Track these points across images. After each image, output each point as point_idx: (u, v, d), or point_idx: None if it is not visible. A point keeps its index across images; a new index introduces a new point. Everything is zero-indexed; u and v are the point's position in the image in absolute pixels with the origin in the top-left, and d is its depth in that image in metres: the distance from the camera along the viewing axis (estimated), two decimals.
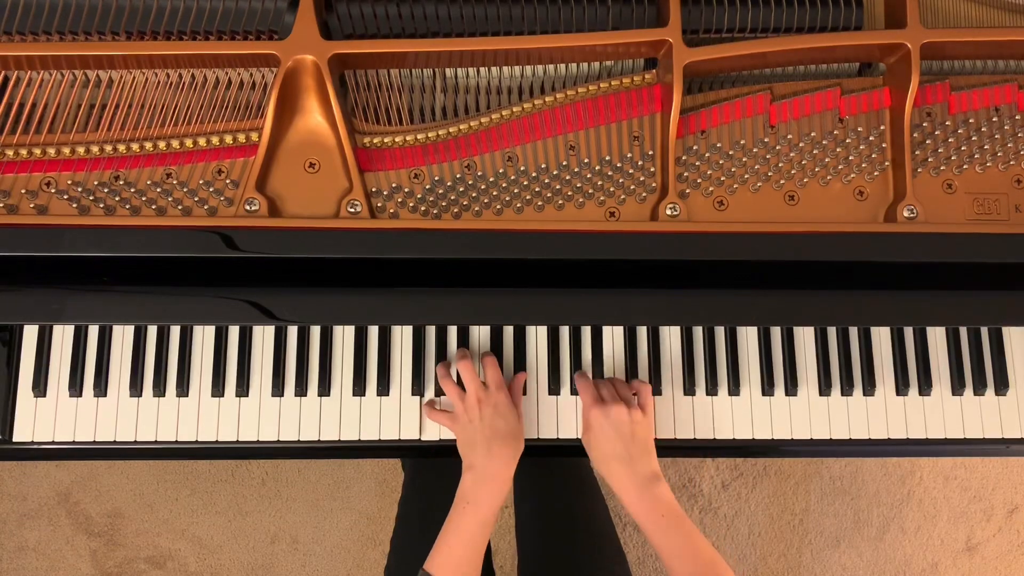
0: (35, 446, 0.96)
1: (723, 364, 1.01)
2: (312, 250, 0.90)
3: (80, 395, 0.97)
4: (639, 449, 0.90)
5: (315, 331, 0.99)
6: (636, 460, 0.89)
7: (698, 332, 1.01)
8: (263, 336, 0.99)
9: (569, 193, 0.95)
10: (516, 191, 0.94)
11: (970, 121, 0.98)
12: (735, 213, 0.96)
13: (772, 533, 1.79)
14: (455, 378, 0.97)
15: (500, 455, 0.90)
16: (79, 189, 0.91)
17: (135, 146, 0.92)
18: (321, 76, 0.90)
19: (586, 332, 1.01)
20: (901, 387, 1.01)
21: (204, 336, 0.99)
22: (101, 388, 0.97)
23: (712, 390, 1.00)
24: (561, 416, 0.99)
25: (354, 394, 0.98)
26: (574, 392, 0.99)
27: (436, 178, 0.94)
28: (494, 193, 0.94)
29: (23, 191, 0.90)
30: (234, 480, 1.75)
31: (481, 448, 0.90)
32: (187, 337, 0.98)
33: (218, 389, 0.97)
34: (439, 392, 0.99)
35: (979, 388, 1.01)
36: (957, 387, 1.01)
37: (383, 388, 0.98)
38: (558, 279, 0.96)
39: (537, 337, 1.01)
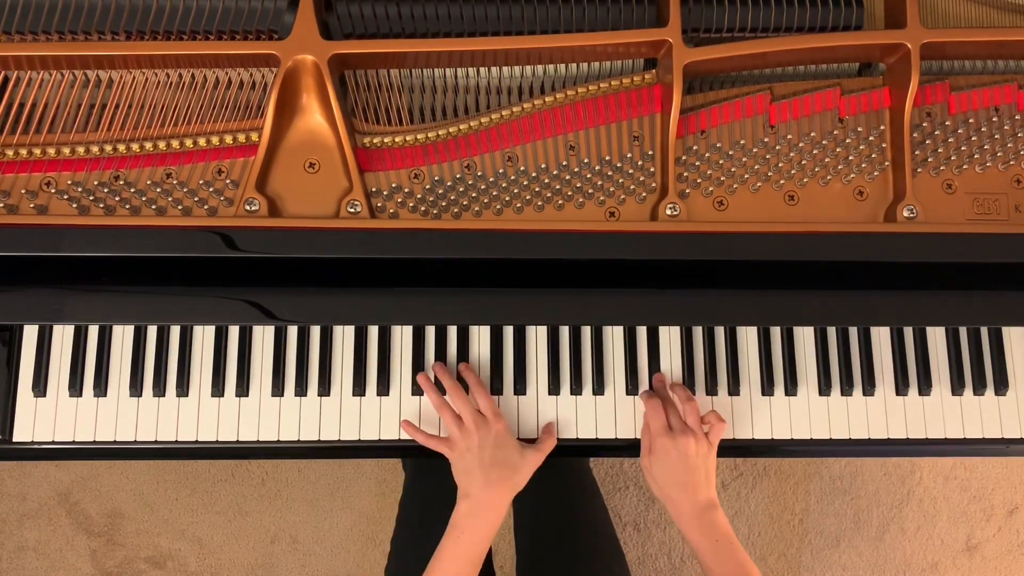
0: (35, 446, 0.96)
1: (723, 364, 1.01)
2: (312, 250, 0.90)
3: (80, 395, 0.97)
4: (700, 478, 0.90)
5: (315, 331, 0.99)
6: (696, 488, 0.90)
7: (698, 332, 1.01)
8: (263, 336, 0.99)
9: (569, 193, 0.95)
10: (516, 191, 0.94)
11: (970, 121, 0.98)
12: (735, 213, 0.96)
13: (772, 533, 1.79)
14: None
15: (498, 487, 0.89)
16: (79, 189, 0.91)
17: (135, 146, 0.92)
18: (321, 76, 0.90)
19: (586, 332, 1.01)
20: (901, 387, 1.01)
21: (204, 336, 0.98)
22: (101, 388, 0.97)
23: (712, 390, 1.00)
24: (561, 416, 0.99)
25: (354, 394, 0.98)
26: (574, 392, 0.99)
27: (436, 178, 0.94)
28: (494, 193, 0.94)
29: (23, 191, 0.90)
30: (234, 480, 1.75)
31: (479, 478, 0.89)
32: (187, 337, 0.98)
33: (218, 389, 0.97)
34: (438, 388, 0.99)
35: (979, 388, 1.01)
36: (957, 387, 1.01)
37: (383, 388, 0.98)
38: (558, 279, 0.96)
39: (537, 337, 1.00)
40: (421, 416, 0.98)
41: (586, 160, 0.95)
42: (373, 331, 1.00)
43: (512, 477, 0.90)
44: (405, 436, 0.98)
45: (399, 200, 0.93)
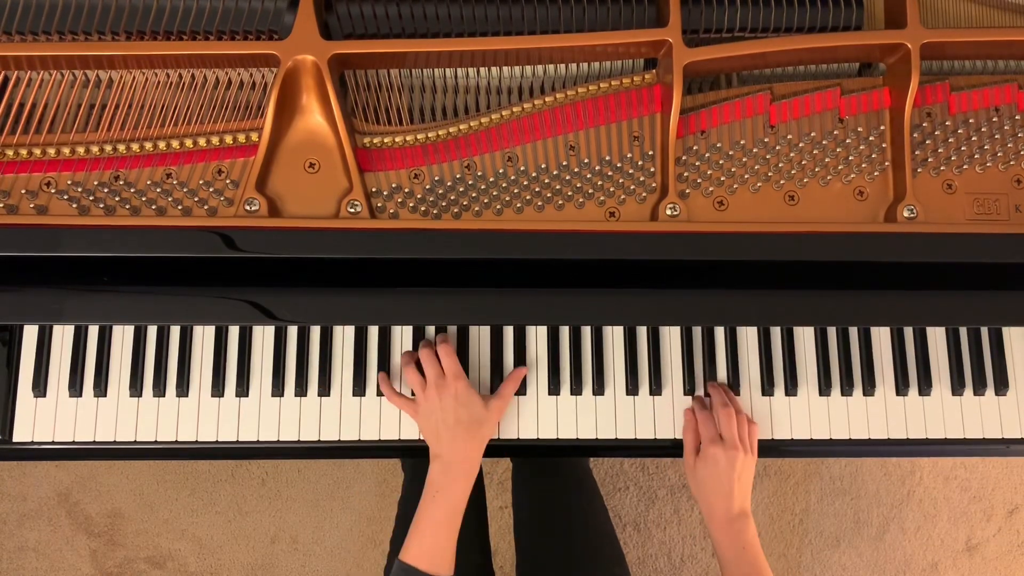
0: (35, 446, 0.96)
1: (722, 364, 1.01)
2: (312, 250, 0.90)
3: (80, 395, 0.97)
4: (741, 489, 0.92)
5: (315, 331, 0.99)
6: (733, 498, 0.91)
7: (698, 332, 1.01)
8: (263, 336, 0.99)
9: (569, 193, 0.95)
10: (516, 191, 0.94)
11: (970, 121, 0.98)
12: (735, 213, 0.96)
13: (772, 533, 1.79)
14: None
15: (465, 444, 0.91)
16: (79, 189, 0.91)
17: (135, 146, 0.92)
18: (321, 76, 0.90)
19: (586, 332, 1.01)
20: (901, 387, 1.01)
21: (204, 336, 0.98)
22: (101, 388, 0.97)
23: None
24: (561, 416, 0.99)
25: (354, 394, 0.98)
26: (574, 392, 0.99)
27: (436, 178, 0.94)
28: (494, 193, 0.94)
29: (23, 191, 0.90)
30: (234, 480, 1.75)
31: (445, 437, 0.91)
32: (187, 337, 0.98)
33: (218, 389, 0.97)
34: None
35: (979, 388, 1.01)
36: (957, 387, 1.01)
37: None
38: (558, 279, 0.96)
39: (537, 337, 1.01)
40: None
41: (586, 160, 0.95)
42: (373, 331, 1.00)
43: (478, 430, 0.92)
44: (405, 436, 0.98)
45: (399, 200, 0.93)
